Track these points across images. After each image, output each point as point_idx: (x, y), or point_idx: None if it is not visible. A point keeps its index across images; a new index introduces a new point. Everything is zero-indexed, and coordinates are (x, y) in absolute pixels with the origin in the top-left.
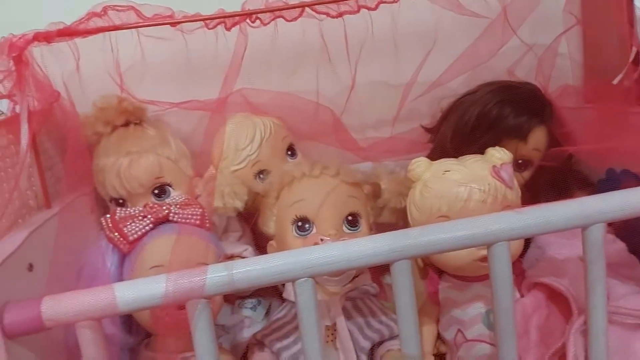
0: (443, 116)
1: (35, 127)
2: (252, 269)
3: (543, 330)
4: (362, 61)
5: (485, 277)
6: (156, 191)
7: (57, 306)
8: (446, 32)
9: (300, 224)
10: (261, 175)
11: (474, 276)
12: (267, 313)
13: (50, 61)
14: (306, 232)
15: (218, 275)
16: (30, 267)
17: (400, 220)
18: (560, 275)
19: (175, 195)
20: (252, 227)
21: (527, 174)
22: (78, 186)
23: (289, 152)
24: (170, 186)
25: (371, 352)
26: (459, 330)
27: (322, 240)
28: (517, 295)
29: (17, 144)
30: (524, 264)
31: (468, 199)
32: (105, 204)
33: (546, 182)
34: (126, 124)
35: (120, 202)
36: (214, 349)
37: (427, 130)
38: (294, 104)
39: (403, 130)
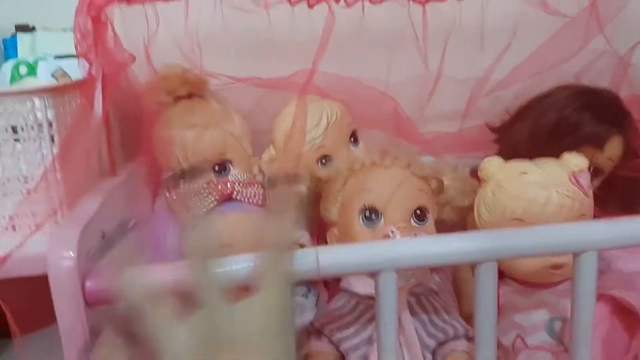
0: (515, 117)
1: (108, 91)
2: (338, 257)
3: (605, 344)
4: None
5: (551, 285)
6: (217, 167)
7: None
8: (525, 29)
9: (367, 213)
10: (323, 161)
11: (541, 283)
12: (317, 301)
13: (128, 23)
14: (373, 223)
15: (305, 261)
16: (103, 235)
17: (460, 219)
18: (628, 289)
19: (236, 173)
20: (307, 213)
21: (596, 182)
22: (139, 155)
23: (352, 139)
24: (230, 163)
25: (433, 351)
26: (518, 335)
27: (392, 232)
28: None
29: (89, 107)
30: None
31: (546, 203)
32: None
33: (616, 192)
34: (189, 96)
35: (179, 176)
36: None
37: (493, 129)
38: (358, 90)
39: (458, 126)
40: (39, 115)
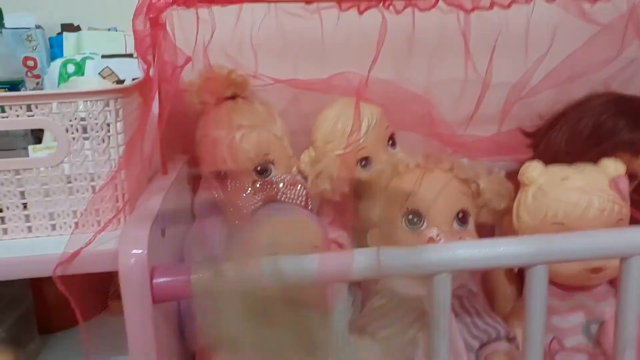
0: (551, 123)
1: (164, 92)
2: (398, 257)
3: None
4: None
5: (587, 288)
6: (259, 168)
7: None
8: (564, 37)
9: (411, 216)
10: (363, 163)
11: (578, 286)
12: (353, 302)
13: (186, 26)
14: (416, 226)
15: (365, 260)
16: (163, 233)
17: (495, 222)
18: None
19: (277, 174)
20: (343, 213)
21: (630, 187)
22: (178, 155)
23: (390, 142)
24: (273, 164)
25: (476, 352)
26: (554, 337)
27: (437, 236)
28: None
29: (147, 107)
30: None
31: (587, 208)
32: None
33: None
34: (233, 97)
35: (222, 176)
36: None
37: (527, 134)
38: (394, 92)
39: (490, 130)
40: (109, 115)
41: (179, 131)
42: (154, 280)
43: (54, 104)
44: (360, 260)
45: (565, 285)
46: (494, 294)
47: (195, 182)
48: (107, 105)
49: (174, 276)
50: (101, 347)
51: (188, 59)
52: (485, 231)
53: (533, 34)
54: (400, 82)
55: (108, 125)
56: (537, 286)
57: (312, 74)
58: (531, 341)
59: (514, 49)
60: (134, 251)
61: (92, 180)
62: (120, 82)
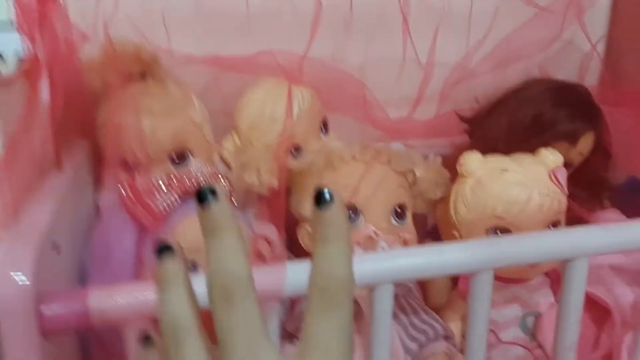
0: (488, 110)
1: (57, 75)
2: None
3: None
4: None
5: (523, 280)
6: (175, 158)
7: (108, 300)
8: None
9: (347, 213)
10: (293, 151)
11: (514, 278)
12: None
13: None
14: (352, 222)
15: (299, 277)
16: (57, 248)
17: (430, 210)
18: (596, 282)
19: (197, 163)
20: (271, 206)
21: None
22: (74, 141)
23: (322, 128)
24: (191, 153)
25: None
26: (491, 330)
27: (375, 234)
28: (552, 299)
29: (33, 94)
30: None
31: (527, 202)
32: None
33: (582, 185)
34: (142, 77)
35: (129, 167)
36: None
37: (464, 119)
38: (327, 73)
39: (427, 111)
40: None
41: (77, 117)
42: (42, 310)
43: None
44: (293, 277)
45: (501, 278)
46: (426, 287)
47: (99, 176)
48: None
49: (67, 303)
50: None
51: (84, 38)
52: (418, 220)
53: (476, 16)
54: (334, 63)
55: None
56: (483, 291)
57: (236, 50)
58: (473, 349)
59: (456, 30)
60: (14, 276)
61: None
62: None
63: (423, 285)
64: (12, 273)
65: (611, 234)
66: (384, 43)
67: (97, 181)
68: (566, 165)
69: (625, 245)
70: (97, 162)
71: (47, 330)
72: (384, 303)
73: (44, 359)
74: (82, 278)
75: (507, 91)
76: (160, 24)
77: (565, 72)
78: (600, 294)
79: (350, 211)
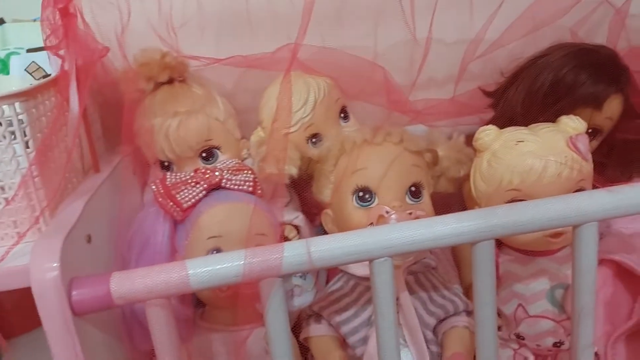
0: (509, 80)
1: (83, 85)
2: (330, 247)
3: (608, 307)
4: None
5: (550, 252)
6: (204, 154)
7: (127, 283)
8: None
9: (361, 194)
10: (313, 140)
11: (540, 251)
12: (316, 282)
13: (97, 13)
14: (367, 203)
15: (296, 254)
16: (89, 239)
17: (457, 189)
18: (629, 251)
19: (224, 159)
20: (300, 194)
21: (595, 143)
22: (119, 147)
23: (342, 115)
24: (218, 149)
25: (434, 328)
26: (519, 304)
27: (387, 213)
28: None
29: (65, 104)
30: None
31: (543, 172)
32: (145, 165)
33: (615, 153)
34: (170, 81)
35: (166, 165)
36: (286, 328)
37: (487, 94)
38: (344, 62)
39: (451, 91)
40: (11, 121)
41: (118, 123)
42: (73, 293)
43: None
44: (290, 255)
45: (527, 251)
46: (459, 263)
47: (143, 174)
48: (5, 112)
49: (92, 287)
50: None
51: (105, 50)
52: (453, 199)
53: None
54: (351, 51)
55: (12, 133)
56: (484, 262)
57: (254, 50)
58: (481, 316)
59: (458, 6)
60: (46, 265)
61: (3, 191)
62: (48, 76)
63: (457, 263)
64: (45, 262)
65: (617, 198)
66: (392, 28)
67: (143, 180)
68: (595, 131)
69: (633, 208)
70: (141, 164)
71: (78, 311)
72: (383, 276)
73: (79, 335)
74: (120, 265)
75: (529, 58)
76: (184, 31)
77: (600, 37)
78: (634, 263)
79: (364, 192)
